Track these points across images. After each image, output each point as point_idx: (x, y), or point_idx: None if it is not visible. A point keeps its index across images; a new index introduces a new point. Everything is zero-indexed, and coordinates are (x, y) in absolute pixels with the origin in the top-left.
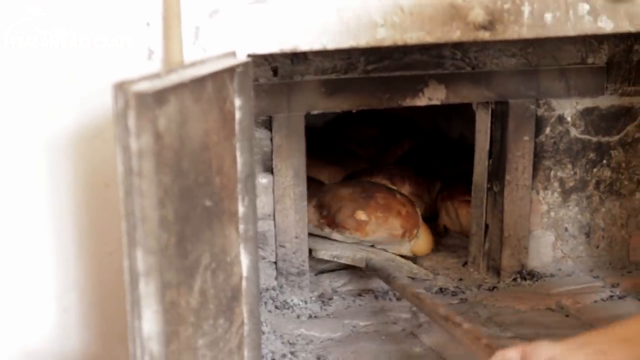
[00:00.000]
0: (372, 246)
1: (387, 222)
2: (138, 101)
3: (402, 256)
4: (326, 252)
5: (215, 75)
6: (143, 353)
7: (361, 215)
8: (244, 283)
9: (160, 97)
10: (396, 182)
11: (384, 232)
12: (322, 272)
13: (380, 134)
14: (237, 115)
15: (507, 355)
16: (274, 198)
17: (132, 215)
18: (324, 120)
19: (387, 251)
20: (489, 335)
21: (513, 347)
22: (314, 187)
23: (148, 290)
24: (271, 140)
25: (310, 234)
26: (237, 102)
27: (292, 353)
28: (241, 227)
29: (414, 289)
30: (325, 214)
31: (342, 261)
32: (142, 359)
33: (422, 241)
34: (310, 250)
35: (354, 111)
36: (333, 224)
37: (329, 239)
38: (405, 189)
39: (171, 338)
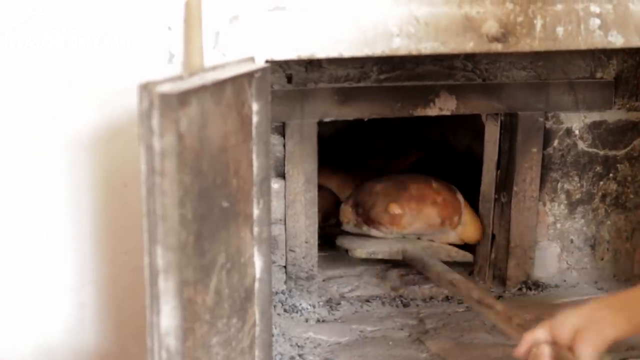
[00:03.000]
0: (419, 238)
1: (422, 212)
2: (162, 102)
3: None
4: (362, 250)
5: (234, 80)
6: (160, 348)
7: (395, 209)
8: (256, 284)
9: (183, 98)
10: None
11: (421, 223)
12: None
13: (388, 144)
14: (254, 119)
15: (536, 335)
16: (285, 203)
17: (153, 214)
18: (333, 130)
19: (432, 241)
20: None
21: (540, 326)
22: (352, 187)
23: (167, 287)
24: (284, 146)
25: (348, 233)
26: (255, 106)
27: (300, 355)
28: (255, 229)
29: (448, 275)
30: (361, 211)
31: (380, 256)
32: (160, 353)
33: (468, 228)
34: (347, 250)
35: (365, 119)
36: (369, 220)
37: (368, 236)
38: None
39: (187, 334)
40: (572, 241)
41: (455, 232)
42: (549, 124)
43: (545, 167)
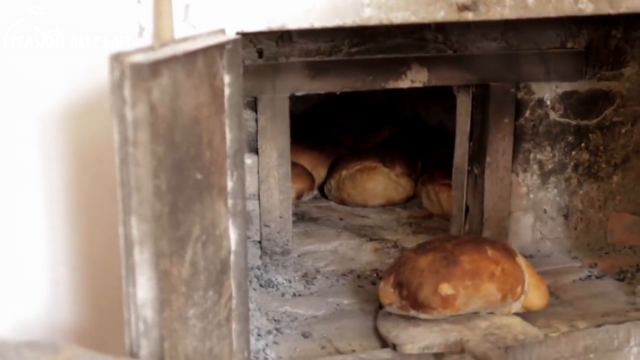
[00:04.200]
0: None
1: (480, 290)
2: (134, 72)
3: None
4: (413, 345)
5: (205, 51)
6: (137, 319)
7: (446, 289)
8: (232, 257)
9: (154, 68)
10: (387, 163)
11: (479, 302)
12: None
13: (360, 121)
14: (227, 91)
15: None
16: (259, 178)
17: (127, 184)
18: (304, 107)
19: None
20: None
21: None
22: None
23: (142, 258)
24: (256, 121)
25: (392, 314)
26: (227, 78)
27: (277, 329)
28: (230, 202)
29: None
30: (406, 293)
31: (435, 351)
32: (137, 325)
33: (533, 294)
34: (394, 345)
35: (337, 93)
36: (416, 304)
37: (416, 318)
38: (397, 169)
39: (164, 306)
40: (545, 211)
41: (519, 302)
42: (520, 95)
43: (518, 138)
